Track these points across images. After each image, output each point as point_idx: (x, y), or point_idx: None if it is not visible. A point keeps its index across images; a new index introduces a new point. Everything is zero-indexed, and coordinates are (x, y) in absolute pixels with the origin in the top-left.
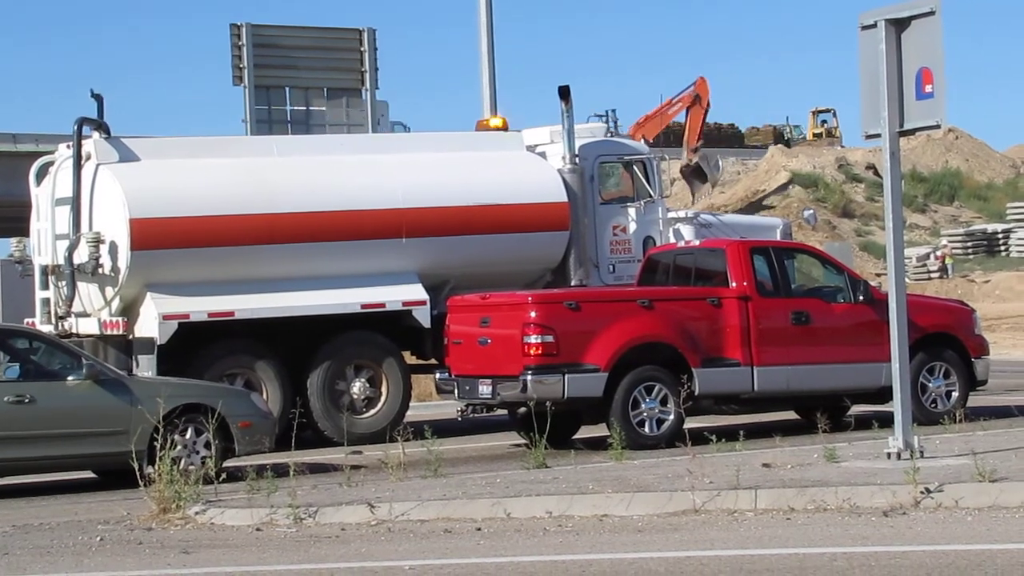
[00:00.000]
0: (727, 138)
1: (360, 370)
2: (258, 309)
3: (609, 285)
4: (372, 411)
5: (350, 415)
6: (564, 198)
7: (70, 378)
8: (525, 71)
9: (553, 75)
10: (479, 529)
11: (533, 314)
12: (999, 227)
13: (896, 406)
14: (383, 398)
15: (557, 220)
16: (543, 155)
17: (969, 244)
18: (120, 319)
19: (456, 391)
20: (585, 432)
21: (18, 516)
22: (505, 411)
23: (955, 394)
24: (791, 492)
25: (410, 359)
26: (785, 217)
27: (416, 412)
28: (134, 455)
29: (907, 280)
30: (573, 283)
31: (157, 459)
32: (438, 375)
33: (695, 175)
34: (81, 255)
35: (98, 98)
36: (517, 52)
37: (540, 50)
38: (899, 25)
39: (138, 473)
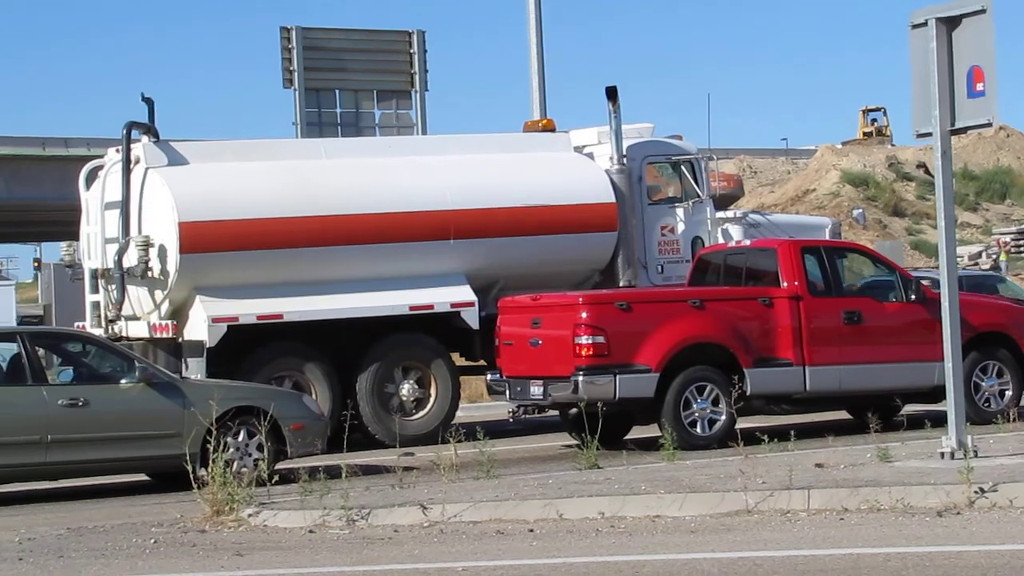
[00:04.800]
0: None
1: (409, 372)
2: (307, 311)
3: (658, 285)
4: (421, 413)
5: (400, 417)
6: (612, 199)
7: (123, 381)
8: (573, 72)
9: (601, 76)
10: (531, 530)
11: (584, 315)
12: None
13: (949, 405)
14: (432, 399)
15: (605, 221)
16: (591, 156)
17: (1021, 242)
18: (169, 322)
19: (507, 392)
20: (637, 432)
21: (73, 519)
22: (556, 412)
23: (1009, 393)
24: (844, 492)
25: (459, 360)
26: (835, 216)
27: (467, 413)
28: (187, 457)
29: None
30: (621, 284)
31: (210, 461)
32: (489, 376)
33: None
34: (130, 259)
35: (148, 102)
36: (566, 53)
37: (588, 52)
38: (950, 23)
39: (191, 475)
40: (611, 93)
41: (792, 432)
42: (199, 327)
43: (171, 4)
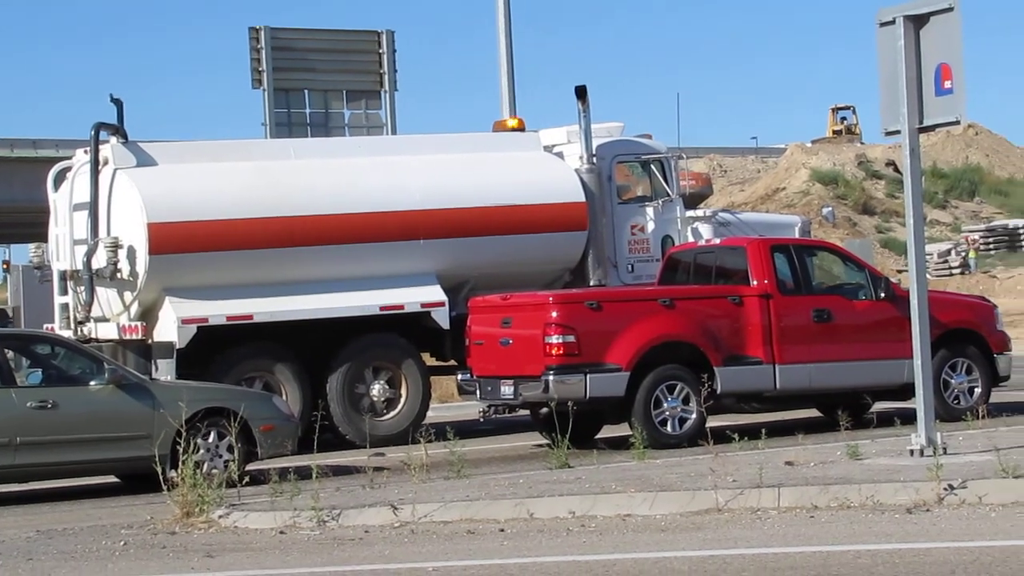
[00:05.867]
0: None
1: (379, 372)
2: (276, 312)
3: (628, 284)
4: (392, 413)
5: (371, 417)
6: (582, 198)
7: (92, 383)
8: (543, 72)
9: (570, 76)
10: (502, 530)
11: (554, 314)
12: (1020, 222)
13: (919, 403)
14: (403, 400)
15: (575, 220)
16: (560, 155)
17: (990, 240)
18: (139, 324)
19: (478, 392)
20: (607, 432)
21: (42, 521)
22: (527, 411)
23: (978, 390)
24: (814, 490)
25: (429, 360)
26: (805, 215)
27: (438, 413)
28: (157, 459)
29: (928, 276)
30: (592, 283)
31: (180, 463)
32: (460, 376)
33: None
34: (99, 260)
35: (117, 103)
36: (535, 53)
37: (558, 51)
38: (917, 21)
39: (161, 477)
40: (580, 92)
41: (762, 430)
42: (168, 328)
43: (139, 4)
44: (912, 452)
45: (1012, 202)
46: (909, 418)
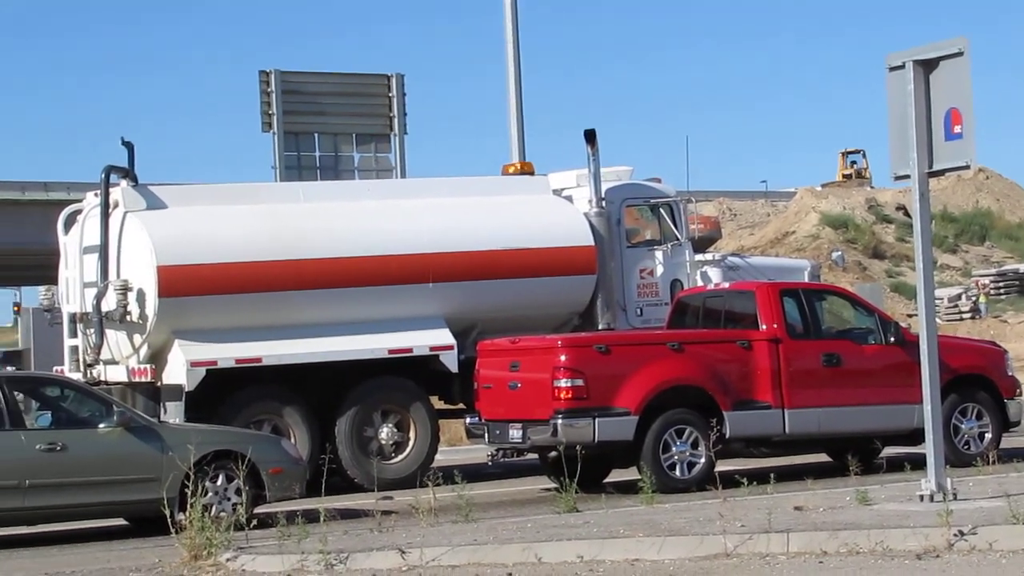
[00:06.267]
0: None
1: (388, 415)
2: (285, 355)
3: (637, 328)
4: (400, 456)
5: (379, 460)
6: (591, 241)
7: (101, 425)
8: (552, 115)
9: (580, 119)
10: (510, 574)
11: (563, 358)
12: None
13: (928, 448)
14: (411, 443)
15: (584, 264)
16: (569, 199)
17: (1001, 284)
18: (148, 366)
19: (486, 435)
20: (616, 476)
21: (50, 564)
22: (535, 455)
23: (988, 435)
24: (823, 535)
25: (438, 404)
26: (814, 258)
27: (446, 457)
28: (165, 502)
29: (938, 321)
30: (600, 326)
31: (188, 506)
32: (468, 419)
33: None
34: (109, 303)
35: (128, 146)
36: (544, 96)
37: (566, 94)
38: (927, 66)
39: (169, 520)
40: (590, 136)
41: (771, 475)
42: (178, 371)
43: (150, 48)
44: (922, 497)
45: (1023, 246)
46: (919, 463)
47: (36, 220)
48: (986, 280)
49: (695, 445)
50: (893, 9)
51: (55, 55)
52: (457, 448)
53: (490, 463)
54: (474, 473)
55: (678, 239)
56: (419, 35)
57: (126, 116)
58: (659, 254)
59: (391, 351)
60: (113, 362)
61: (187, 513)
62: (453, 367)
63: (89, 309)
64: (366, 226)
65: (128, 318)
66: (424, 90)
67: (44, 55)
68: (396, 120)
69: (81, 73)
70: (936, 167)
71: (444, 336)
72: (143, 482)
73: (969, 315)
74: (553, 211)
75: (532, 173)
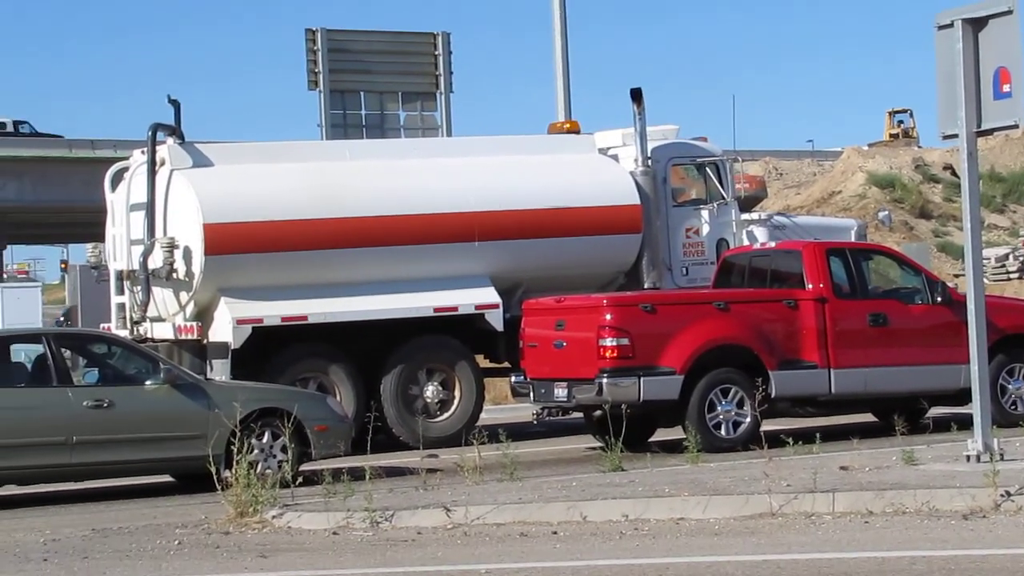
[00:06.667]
0: None
1: (433, 374)
2: (331, 313)
3: (683, 287)
4: (446, 415)
5: (424, 419)
6: (637, 200)
7: (148, 382)
8: (598, 74)
9: (626, 78)
10: (555, 533)
11: (608, 317)
12: None
13: (975, 408)
14: (456, 402)
15: (630, 223)
16: (615, 158)
17: None
18: (194, 324)
19: (531, 394)
20: (661, 435)
21: (97, 520)
22: (580, 414)
23: None
24: (869, 495)
25: (483, 362)
26: (861, 218)
27: (491, 415)
28: (211, 459)
29: (985, 281)
30: (646, 286)
31: (234, 463)
32: (514, 378)
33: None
34: (156, 260)
35: (175, 104)
36: (590, 55)
37: (613, 53)
38: (976, 24)
39: (215, 477)
40: (636, 95)
41: (817, 435)
42: (224, 329)
43: (197, 6)
44: (968, 458)
45: None
46: (965, 423)
47: (83, 178)
48: None
49: (740, 404)
50: None
51: (101, 12)
52: (502, 407)
53: (535, 422)
54: (519, 432)
55: (724, 198)
56: None
57: (173, 74)
58: (705, 213)
59: (437, 309)
60: (159, 319)
61: (233, 470)
62: (499, 326)
63: (136, 267)
64: (412, 184)
65: (174, 276)
66: (470, 48)
67: (91, 13)
68: (442, 78)
69: (129, 31)
70: (984, 126)
71: (490, 295)
72: (189, 439)
73: (1016, 275)
74: (599, 170)
75: (578, 132)
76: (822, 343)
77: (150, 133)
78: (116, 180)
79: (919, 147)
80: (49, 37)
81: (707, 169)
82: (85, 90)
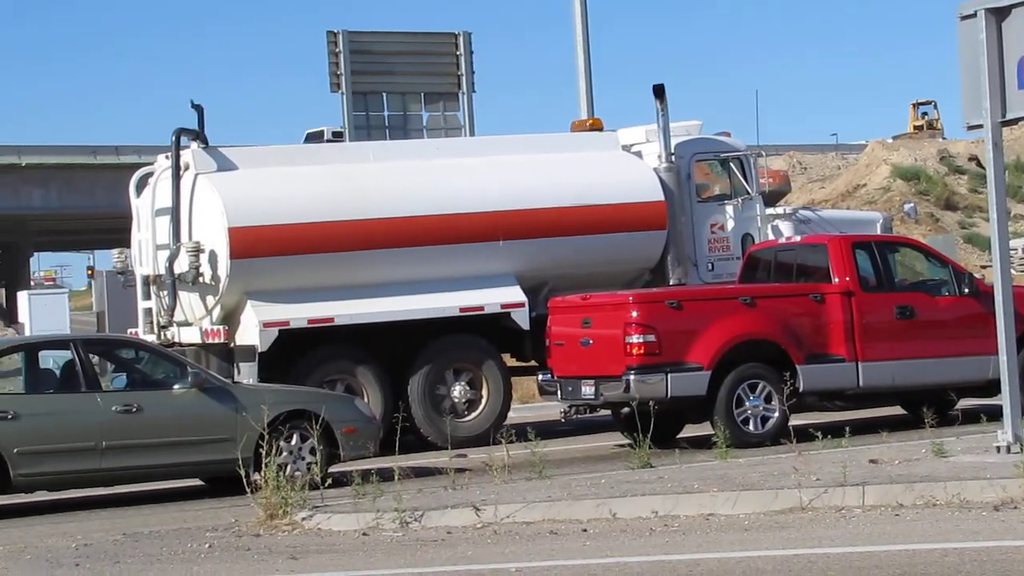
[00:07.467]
0: None
1: (460, 373)
2: (357, 315)
3: (708, 283)
4: (473, 414)
5: (452, 418)
6: (661, 197)
7: (176, 387)
8: (620, 70)
9: (648, 74)
10: (585, 530)
11: (635, 314)
12: None
13: (1004, 399)
14: (484, 401)
15: (654, 219)
16: (639, 154)
17: None
18: (221, 327)
19: (559, 392)
20: (689, 431)
21: (128, 524)
22: (608, 411)
23: None
24: (899, 488)
25: (510, 361)
26: (886, 211)
27: (518, 414)
28: (240, 462)
29: (1013, 272)
30: (672, 282)
31: (263, 465)
32: (541, 376)
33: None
34: (181, 265)
35: (198, 108)
36: (612, 51)
37: (635, 49)
38: (999, 14)
39: (245, 480)
40: (658, 91)
41: (846, 428)
42: (250, 332)
43: (218, 10)
44: (999, 449)
45: None
46: (995, 415)
47: (108, 184)
48: None
49: (768, 399)
50: None
51: (123, 16)
52: (530, 405)
53: (563, 420)
54: (547, 430)
55: (748, 193)
56: None
57: (195, 78)
58: (729, 208)
59: (463, 309)
60: (186, 324)
61: (262, 473)
62: (525, 324)
63: (162, 271)
64: (436, 184)
65: (200, 280)
66: (492, 47)
67: (113, 16)
68: (464, 78)
69: (149, 36)
70: (1009, 116)
71: (515, 293)
72: (218, 442)
73: None
74: (623, 167)
75: (601, 129)
76: (849, 336)
77: (174, 138)
78: (141, 185)
79: (944, 138)
80: (71, 43)
81: (731, 164)
82: (108, 96)
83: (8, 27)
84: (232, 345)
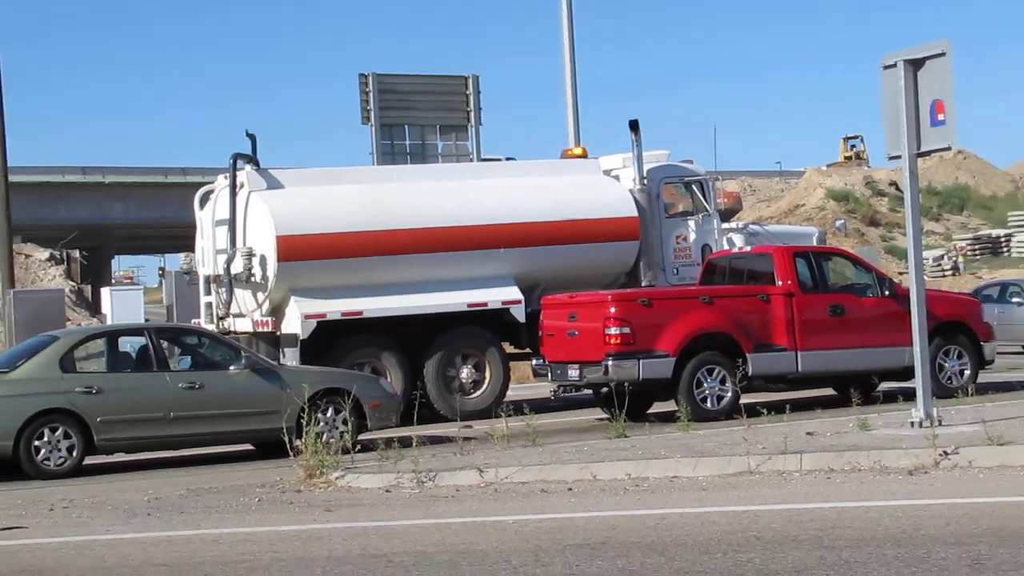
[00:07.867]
0: None
1: (467, 358)
2: (383, 309)
3: (674, 285)
4: (478, 392)
5: (460, 396)
6: (635, 213)
7: (231, 368)
8: (602, 98)
9: (626, 103)
10: (570, 489)
11: (613, 310)
12: (1002, 232)
13: (918, 383)
14: (487, 381)
15: (629, 232)
16: (617, 178)
17: (976, 247)
18: (269, 319)
19: (549, 375)
20: (657, 407)
21: (191, 481)
22: (590, 391)
23: (967, 372)
24: (830, 456)
25: (509, 349)
26: (821, 226)
27: (516, 393)
28: (284, 431)
29: (925, 277)
30: (644, 284)
31: (303, 434)
32: (534, 361)
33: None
34: (237, 266)
35: (252, 137)
36: (599, 80)
37: (616, 80)
38: (916, 64)
39: (288, 445)
40: (633, 126)
41: (787, 406)
42: (294, 322)
43: (269, 59)
44: (913, 424)
45: (994, 215)
46: (910, 396)
47: (176, 199)
48: (964, 244)
49: (723, 381)
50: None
51: (190, 68)
52: (525, 385)
53: (553, 398)
54: (539, 406)
55: (707, 211)
56: (488, 38)
57: (249, 113)
58: (692, 223)
59: (470, 305)
60: (240, 315)
61: (303, 440)
62: (521, 318)
63: (220, 272)
64: (448, 202)
65: (252, 279)
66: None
67: (182, 69)
68: (472, 113)
69: (215, 77)
70: (923, 149)
71: (514, 292)
72: (266, 414)
73: (950, 272)
74: (603, 188)
75: (586, 156)
76: (790, 330)
77: (231, 161)
78: (204, 200)
79: (869, 167)
80: (152, 82)
81: (693, 187)
82: (177, 127)
83: (107, 67)
84: (278, 333)
